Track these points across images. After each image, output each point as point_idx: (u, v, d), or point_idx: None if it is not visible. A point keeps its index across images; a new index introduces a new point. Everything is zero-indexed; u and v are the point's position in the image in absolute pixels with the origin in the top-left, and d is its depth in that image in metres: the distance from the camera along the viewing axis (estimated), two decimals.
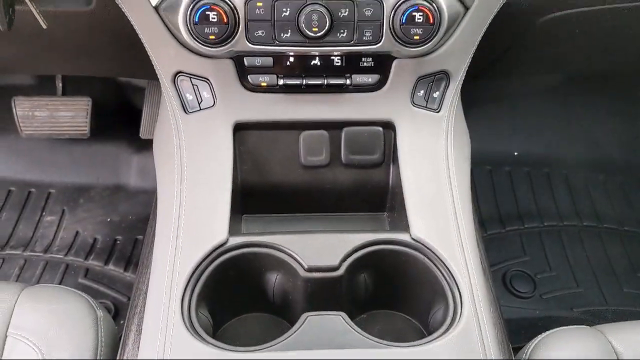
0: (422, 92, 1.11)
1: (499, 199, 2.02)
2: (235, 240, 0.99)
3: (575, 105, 2.17)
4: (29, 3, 1.05)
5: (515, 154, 2.13)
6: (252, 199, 1.15)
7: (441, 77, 1.12)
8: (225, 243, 0.98)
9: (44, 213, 1.90)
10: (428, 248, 0.99)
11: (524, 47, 1.39)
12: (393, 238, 1.01)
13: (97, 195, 1.97)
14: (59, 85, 1.89)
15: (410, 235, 1.01)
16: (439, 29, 1.00)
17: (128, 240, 1.84)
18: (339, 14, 1.00)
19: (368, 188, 1.16)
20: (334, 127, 1.12)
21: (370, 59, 1.07)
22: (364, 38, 1.02)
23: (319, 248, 0.98)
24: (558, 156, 2.13)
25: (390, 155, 1.13)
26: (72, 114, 1.89)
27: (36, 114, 1.88)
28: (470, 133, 1.21)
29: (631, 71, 1.90)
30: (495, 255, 1.84)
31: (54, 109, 1.89)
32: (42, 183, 1.96)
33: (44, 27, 1.07)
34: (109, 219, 1.90)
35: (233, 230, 1.00)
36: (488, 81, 1.81)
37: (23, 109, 1.87)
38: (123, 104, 2.07)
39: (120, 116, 2.08)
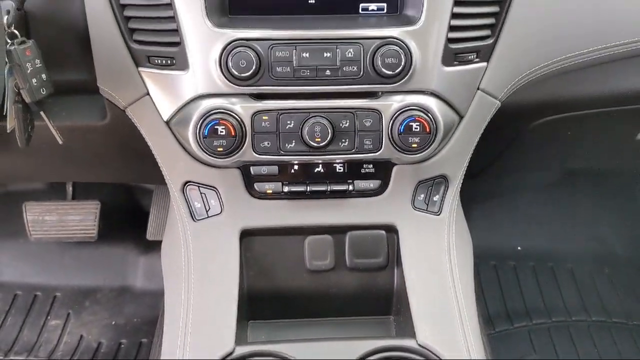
0: (422, 195, 1.15)
1: (505, 294, 2.01)
2: (241, 350, 0.99)
3: (576, 200, 2.21)
4: (46, 120, 1.11)
5: (519, 248, 2.14)
6: (258, 304, 1.16)
7: (440, 181, 1.16)
8: (232, 353, 0.98)
9: (49, 317, 1.90)
10: (435, 354, 0.99)
11: (519, 149, 1.45)
12: (399, 345, 1.02)
13: (103, 298, 1.97)
14: (69, 189, 1.95)
15: (417, 341, 1.01)
16: (435, 137, 1.05)
17: (132, 344, 1.82)
18: (340, 124, 1.06)
19: (373, 291, 1.18)
20: (338, 231, 1.15)
21: (371, 166, 1.11)
22: (365, 147, 1.07)
23: (327, 356, 0.98)
24: (562, 250, 2.14)
25: (394, 258, 1.15)
26: (80, 218, 1.94)
27: (46, 218, 1.92)
28: (472, 229, 1.24)
29: (626, 169, 1.96)
30: (505, 354, 1.81)
31: (64, 213, 1.93)
32: (48, 286, 1.98)
33: (60, 142, 1.13)
34: (114, 322, 1.90)
35: (239, 338, 1.01)
36: (487, 178, 1.86)
37: (33, 213, 1.92)
38: (131, 206, 2.12)
39: (128, 218, 2.12)
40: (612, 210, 2.22)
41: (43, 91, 1.06)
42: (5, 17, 1.00)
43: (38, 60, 1.05)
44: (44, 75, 1.07)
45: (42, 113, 1.10)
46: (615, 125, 1.37)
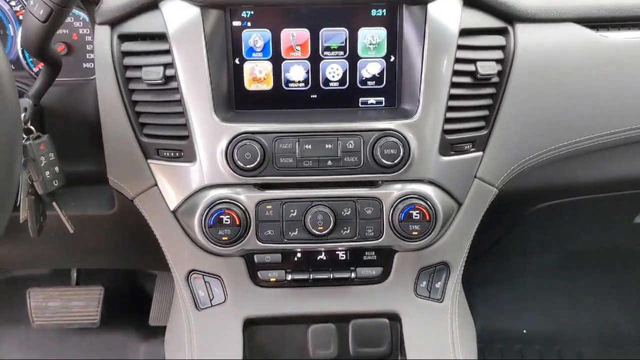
0: (424, 283, 1.17)
1: None
2: None
3: (579, 281, 2.20)
4: (58, 210, 1.15)
5: (524, 331, 2.12)
6: None
7: (442, 268, 1.18)
8: None
9: None
10: None
11: (519, 232, 1.47)
12: None
13: None
14: (74, 275, 1.95)
15: None
16: (435, 224, 1.08)
17: None
18: (342, 213, 1.08)
19: None
20: (341, 319, 1.15)
21: (373, 253, 1.13)
22: (366, 234, 1.09)
23: None
24: (568, 332, 2.12)
25: (397, 346, 1.15)
26: (84, 304, 1.93)
27: (49, 305, 1.92)
28: (476, 313, 1.24)
29: (627, 249, 1.97)
30: None
31: (67, 299, 1.93)
32: None
33: (71, 231, 1.16)
34: None
35: None
36: (488, 262, 1.87)
37: (37, 299, 1.91)
38: (134, 291, 2.11)
39: (131, 303, 2.11)
40: (616, 291, 2.21)
41: (55, 183, 1.10)
42: (23, 114, 1.05)
43: (52, 154, 1.10)
44: (56, 168, 1.11)
45: (54, 204, 1.13)
46: (614, 209, 1.40)
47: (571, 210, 1.36)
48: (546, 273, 2.19)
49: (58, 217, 1.16)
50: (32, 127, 1.07)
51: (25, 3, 0.95)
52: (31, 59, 1.26)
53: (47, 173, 1.09)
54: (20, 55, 1.26)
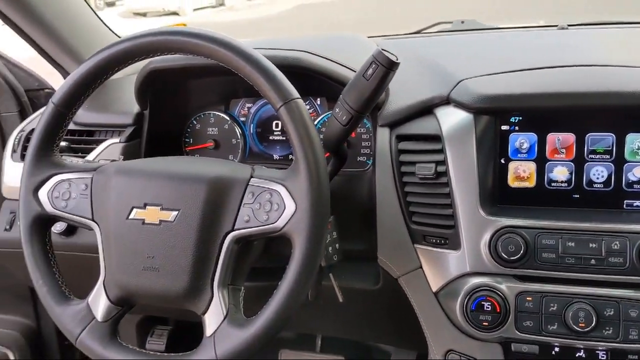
0: None
1: None
2: None
3: None
4: (333, 281, 1.33)
5: None
6: None
7: None
8: None
9: None
10: None
11: None
12: None
13: None
14: (318, 342, 2.14)
15: None
16: None
17: None
18: (605, 313, 1.09)
19: None
20: None
21: (636, 357, 1.11)
22: (630, 337, 1.08)
23: None
24: None
25: None
26: None
27: None
28: None
29: None
30: None
31: None
32: None
33: (341, 300, 1.33)
34: None
35: None
36: None
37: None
38: None
39: None
40: None
41: (335, 258, 1.29)
42: None
43: (335, 233, 1.30)
44: (337, 245, 1.30)
45: (330, 275, 1.32)
46: None
47: None
48: None
49: (330, 287, 1.34)
50: None
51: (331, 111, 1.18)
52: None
53: (330, 249, 1.29)
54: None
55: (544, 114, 1.18)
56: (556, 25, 1.70)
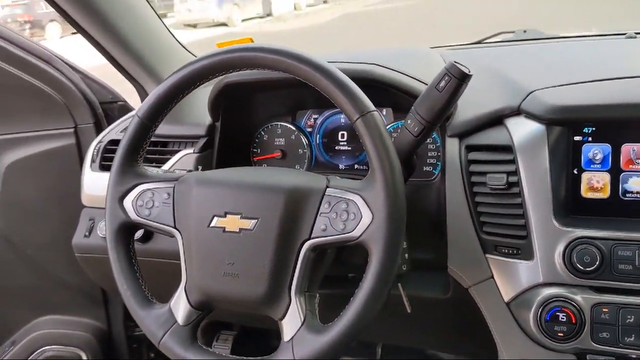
0: None
1: None
2: None
3: None
4: (401, 291, 1.34)
5: None
6: None
7: None
8: None
9: None
10: None
11: None
12: None
13: None
14: (379, 350, 2.16)
15: None
16: None
17: None
18: None
19: None
20: None
21: None
22: None
23: None
24: None
25: None
26: None
27: None
28: None
29: None
30: None
31: None
32: None
33: (409, 310, 1.34)
34: None
35: None
36: None
37: None
38: None
39: None
40: None
41: (404, 267, 1.30)
42: None
43: (404, 242, 1.31)
44: (406, 255, 1.32)
45: (399, 284, 1.34)
46: None
47: None
48: None
49: (398, 296, 1.35)
50: None
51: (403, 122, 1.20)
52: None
53: (399, 258, 1.31)
54: None
55: (618, 124, 1.17)
56: (624, 34, 1.68)
